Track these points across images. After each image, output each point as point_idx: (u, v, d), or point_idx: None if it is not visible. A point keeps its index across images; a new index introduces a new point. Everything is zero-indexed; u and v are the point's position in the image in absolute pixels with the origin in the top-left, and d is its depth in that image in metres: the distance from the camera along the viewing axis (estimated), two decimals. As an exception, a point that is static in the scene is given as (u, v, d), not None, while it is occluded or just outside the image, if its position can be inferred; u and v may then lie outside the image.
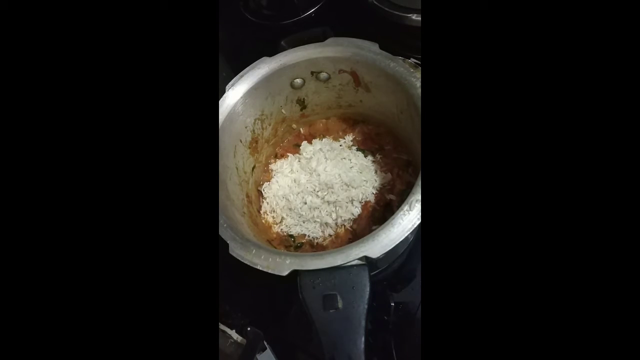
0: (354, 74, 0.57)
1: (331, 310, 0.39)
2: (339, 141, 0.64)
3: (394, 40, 0.67)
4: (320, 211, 0.58)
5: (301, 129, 0.67)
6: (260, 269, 0.42)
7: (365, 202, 0.57)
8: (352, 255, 0.40)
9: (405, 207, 0.41)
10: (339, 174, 0.58)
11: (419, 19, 0.71)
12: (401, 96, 0.52)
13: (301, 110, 0.64)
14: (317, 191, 0.58)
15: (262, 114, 0.61)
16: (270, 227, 0.60)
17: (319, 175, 0.58)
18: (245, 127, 0.59)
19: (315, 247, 0.58)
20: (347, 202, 0.57)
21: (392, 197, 0.57)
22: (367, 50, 0.54)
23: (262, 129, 0.62)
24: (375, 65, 0.53)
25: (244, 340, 0.52)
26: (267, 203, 0.61)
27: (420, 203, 0.41)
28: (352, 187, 0.57)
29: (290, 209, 0.59)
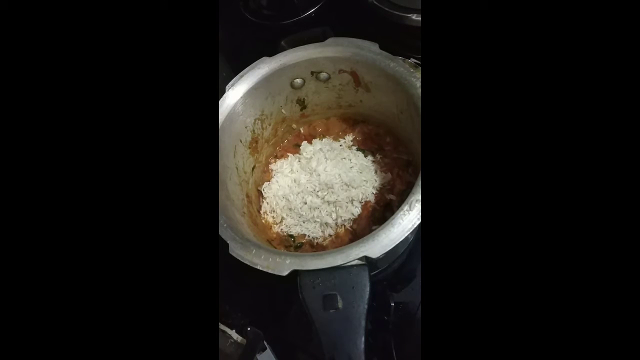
0: (354, 74, 0.57)
1: (331, 310, 0.39)
2: (339, 141, 0.64)
3: (394, 40, 0.67)
4: (320, 211, 0.58)
5: (301, 129, 0.67)
6: (260, 269, 0.42)
7: (365, 202, 0.57)
8: (352, 255, 0.40)
9: (405, 207, 0.41)
10: (339, 174, 0.58)
11: (419, 19, 0.71)
12: (401, 96, 0.52)
13: (301, 110, 0.64)
14: (317, 191, 0.58)
15: (262, 114, 0.61)
16: (270, 227, 0.60)
17: (319, 175, 0.58)
18: (245, 127, 0.59)
19: (315, 247, 0.58)
20: (347, 202, 0.57)
21: (392, 197, 0.57)
22: (367, 50, 0.54)
23: (262, 129, 0.62)
24: (375, 65, 0.53)
25: (244, 340, 0.52)
26: (267, 203, 0.61)
27: (420, 203, 0.41)
28: (352, 187, 0.57)
29: (290, 209, 0.59)
